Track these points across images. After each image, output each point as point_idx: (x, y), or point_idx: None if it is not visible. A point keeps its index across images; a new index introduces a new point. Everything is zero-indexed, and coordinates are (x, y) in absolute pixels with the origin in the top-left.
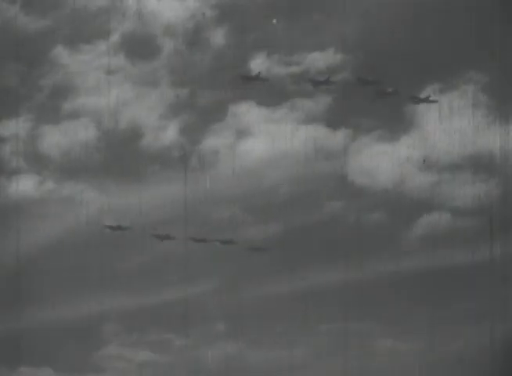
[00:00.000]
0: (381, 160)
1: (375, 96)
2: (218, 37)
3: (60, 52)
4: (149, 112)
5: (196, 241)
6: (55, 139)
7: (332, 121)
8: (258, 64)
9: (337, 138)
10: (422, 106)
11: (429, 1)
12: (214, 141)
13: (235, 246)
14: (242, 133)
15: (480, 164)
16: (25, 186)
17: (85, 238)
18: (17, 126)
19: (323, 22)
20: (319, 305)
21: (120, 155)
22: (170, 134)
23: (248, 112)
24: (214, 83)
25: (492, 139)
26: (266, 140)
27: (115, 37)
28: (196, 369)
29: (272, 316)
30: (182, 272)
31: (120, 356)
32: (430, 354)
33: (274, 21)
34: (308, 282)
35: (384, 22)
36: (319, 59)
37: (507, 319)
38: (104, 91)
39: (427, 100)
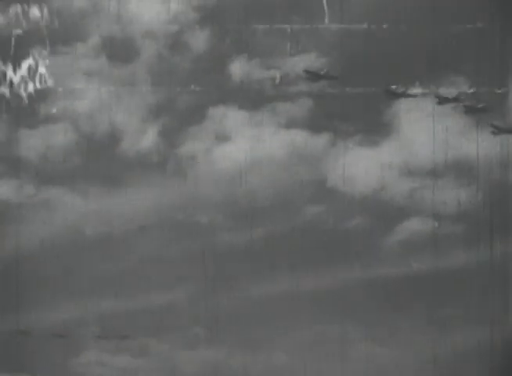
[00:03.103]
0: (361, 165)
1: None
2: (199, 40)
3: (38, 54)
4: (128, 115)
5: None
6: (33, 142)
7: (313, 125)
8: (238, 67)
9: (318, 142)
10: (402, 111)
11: (411, 4)
12: (194, 145)
13: None
14: (222, 137)
15: (461, 170)
16: (4, 190)
17: (66, 242)
18: None
19: (305, 26)
20: (298, 309)
21: (99, 159)
22: (149, 138)
23: (229, 115)
24: (194, 86)
25: (473, 144)
26: (246, 144)
27: (94, 40)
28: (176, 374)
29: (252, 320)
30: (161, 277)
31: (99, 362)
32: (409, 358)
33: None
34: (286, 287)
35: (365, 26)
36: (300, 63)
37: (485, 327)
38: (83, 94)
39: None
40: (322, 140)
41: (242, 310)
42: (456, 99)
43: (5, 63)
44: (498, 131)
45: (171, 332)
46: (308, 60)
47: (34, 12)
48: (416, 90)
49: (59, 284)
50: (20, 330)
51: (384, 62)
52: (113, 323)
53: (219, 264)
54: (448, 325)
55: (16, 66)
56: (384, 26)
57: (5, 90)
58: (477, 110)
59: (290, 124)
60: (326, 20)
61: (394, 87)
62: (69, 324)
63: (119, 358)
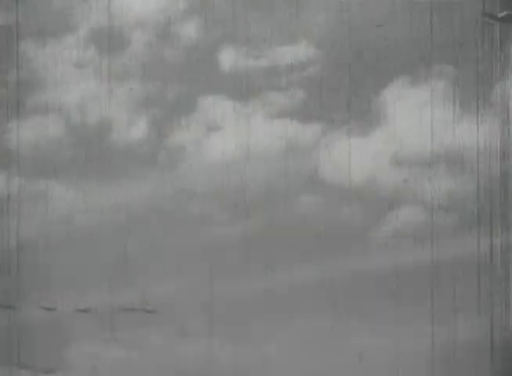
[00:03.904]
0: (352, 155)
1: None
2: (189, 30)
3: (27, 46)
4: (118, 107)
5: None
6: (23, 134)
7: (304, 115)
8: (228, 57)
9: (309, 133)
10: (391, 100)
11: None
12: (184, 136)
13: None
14: (212, 128)
15: (452, 159)
16: None
17: (57, 235)
18: None
19: (295, 15)
20: (292, 301)
21: (89, 151)
22: (139, 129)
23: (218, 106)
24: (184, 77)
25: (463, 133)
26: (236, 134)
27: (83, 30)
28: (169, 366)
29: (246, 313)
30: (154, 268)
31: (92, 354)
32: (407, 351)
33: None
34: (280, 279)
35: (356, 15)
36: (291, 53)
37: (485, 319)
38: (72, 85)
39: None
40: (313, 130)
41: (236, 302)
42: None
43: None
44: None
45: (164, 324)
46: (298, 50)
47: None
48: None
49: (51, 276)
50: (9, 323)
51: None
52: (107, 314)
53: (213, 256)
54: (446, 317)
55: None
56: None
57: None
58: None
59: (281, 114)
60: None
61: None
62: (61, 316)
63: (112, 350)
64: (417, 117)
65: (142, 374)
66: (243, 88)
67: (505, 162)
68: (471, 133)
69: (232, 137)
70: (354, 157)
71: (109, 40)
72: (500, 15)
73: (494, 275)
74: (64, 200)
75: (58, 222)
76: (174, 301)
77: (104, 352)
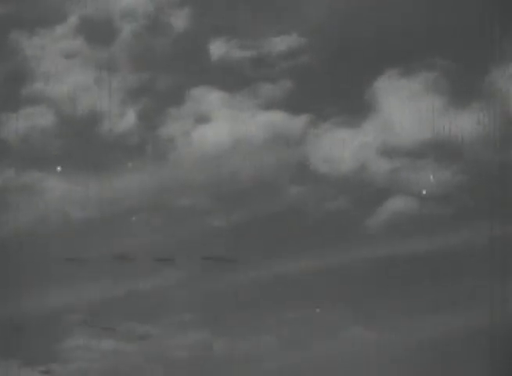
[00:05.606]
0: (342, 146)
1: None
2: (179, 20)
3: (17, 37)
4: (108, 97)
5: None
6: (13, 125)
7: (293, 106)
8: (218, 48)
9: (298, 124)
10: (382, 91)
11: None
12: (173, 127)
13: None
14: (201, 118)
15: (442, 150)
16: None
17: (49, 227)
18: None
19: (287, 5)
20: (286, 293)
21: (80, 142)
22: (129, 120)
23: (208, 97)
24: (174, 67)
25: (453, 124)
26: (226, 126)
27: (73, 21)
28: (162, 358)
29: (239, 304)
30: (146, 262)
31: (84, 346)
32: (400, 343)
33: None
34: (272, 270)
35: (349, 5)
36: (282, 43)
37: (484, 311)
38: (62, 76)
39: None
40: (302, 121)
41: (229, 294)
42: None
43: None
44: None
45: (159, 317)
46: (290, 40)
47: None
48: None
49: (43, 268)
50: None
51: None
52: (101, 308)
53: (205, 247)
54: (442, 309)
55: None
56: None
57: None
58: None
59: (271, 105)
60: None
61: None
62: (53, 309)
63: (107, 343)
64: (410, 108)
65: None
66: (232, 79)
67: (500, 152)
68: (466, 124)
69: (222, 128)
70: (345, 148)
71: (99, 30)
72: None
73: (492, 266)
74: (56, 191)
75: (49, 215)
76: None
77: None
